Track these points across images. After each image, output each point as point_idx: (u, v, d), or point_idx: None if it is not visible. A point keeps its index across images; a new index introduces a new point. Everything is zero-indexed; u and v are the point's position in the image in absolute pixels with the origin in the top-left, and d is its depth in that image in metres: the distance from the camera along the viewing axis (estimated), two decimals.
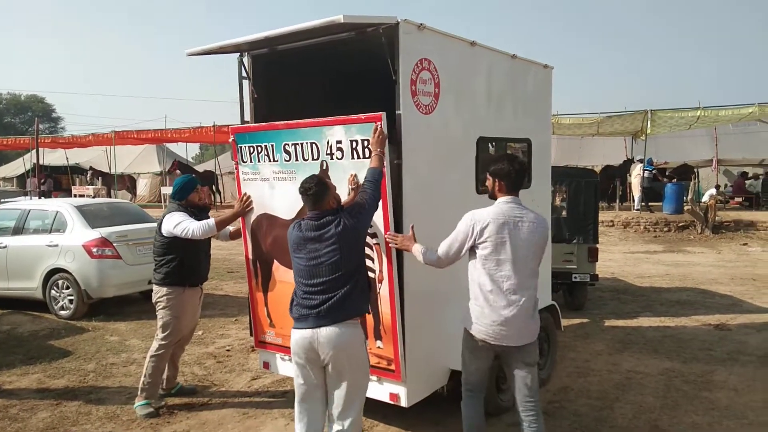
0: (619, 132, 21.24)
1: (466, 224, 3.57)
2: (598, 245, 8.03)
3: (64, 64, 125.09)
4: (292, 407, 4.95)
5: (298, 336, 3.51)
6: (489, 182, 3.77)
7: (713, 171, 22.48)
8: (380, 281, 4.09)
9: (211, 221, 4.83)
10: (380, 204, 3.86)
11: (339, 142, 4.11)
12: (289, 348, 4.67)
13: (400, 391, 4.19)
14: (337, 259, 3.47)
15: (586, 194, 7.91)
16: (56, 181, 27.50)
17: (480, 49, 4.77)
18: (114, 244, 8.03)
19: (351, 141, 4.04)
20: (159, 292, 5.00)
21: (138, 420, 4.79)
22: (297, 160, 4.37)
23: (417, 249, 3.81)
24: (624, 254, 14.01)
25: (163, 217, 4.97)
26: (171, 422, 4.75)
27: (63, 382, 5.67)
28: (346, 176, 4.07)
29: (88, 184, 25.67)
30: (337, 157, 4.15)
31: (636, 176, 18.63)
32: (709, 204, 16.79)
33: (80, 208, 8.43)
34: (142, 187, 27.82)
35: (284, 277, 4.65)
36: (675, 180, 19.38)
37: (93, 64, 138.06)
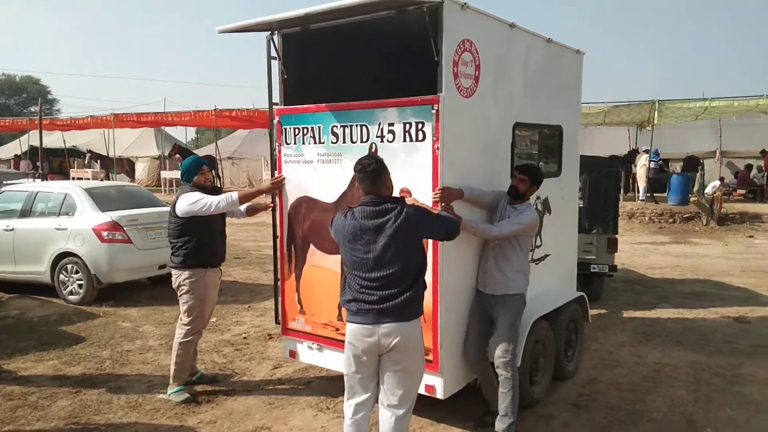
0: (626, 122, 21.12)
1: (530, 224, 4.18)
2: (617, 236, 7.93)
3: (59, 46, 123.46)
4: (318, 396, 4.93)
5: (358, 329, 3.28)
6: (526, 185, 4.25)
7: (716, 163, 22.41)
8: None
9: (234, 194, 4.72)
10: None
11: (391, 124, 4.04)
12: (318, 336, 4.66)
13: (437, 382, 4.09)
14: (395, 254, 3.20)
15: (607, 184, 7.78)
16: (51, 163, 27.16)
17: (518, 31, 4.62)
18: (124, 228, 7.87)
19: (404, 124, 3.97)
20: (180, 276, 4.86)
21: (162, 409, 4.66)
22: (345, 142, 4.29)
23: (468, 225, 4.00)
24: (631, 245, 13.92)
25: (177, 198, 4.82)
26: (196, 412, 4.63)
27: (80, 370, 5.53)
28: (395, 161, 3.92)
29: (86, 167, 25.37)
30: (387, 140, 4.07)
31: (642, 167, 18.53)
32: (715, 196, 16.72)
33: (89, 191, 8.25)
34: (141, 170, 27.53)
35: (319, 262, 4.55)
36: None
37: (88, 45, 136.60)
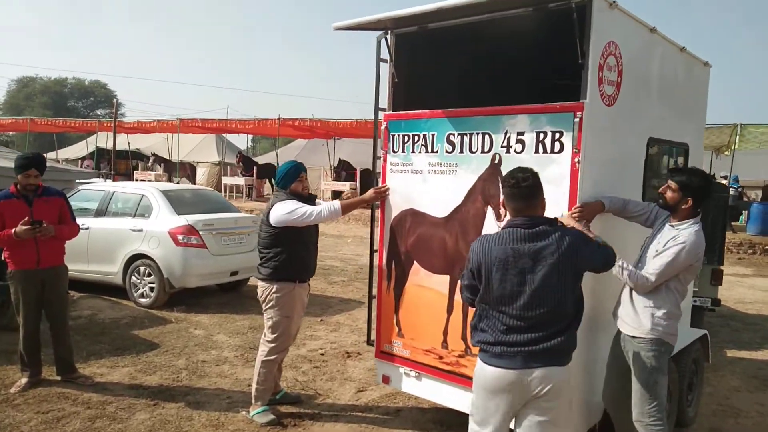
0: (704, 145, 20.06)
1: (689, 255, 3.36)
2: (722, 267, 7.27)
3: (121, 50, 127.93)
4: (411, 429, 4.51)
5: (502, 375, 2.80)
6: (675, 195, 3.44)
7: None
8: None
9: (337, 203, 4.36)
10: None
11: (521, 133, 3.59)
12: (418, 363, 4.23)
13: None
14: (556, 285, 2.75)
15: (715, 210, 7.15)
16: (117, 165, 27.73)
17: (657, 37, 4.15)
18: (200, 233, 7.68)
19: (537, 133, 3.52)
20: (268, 289, 4.51)
21: (246, 431, 4.33)
22: (462, 152, 3.88)
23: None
24: None
25: (272, 206, 4.47)
26: None
27: (156, 379, 5.27)
28: None
29: (150, 170, 25.82)
30: (515, 151, 3.63)
31: None
32: None
33: (166, 193, 8.12)
34: (201, 175, 27.89)
35: (424, 281, 4.15)
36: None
37: (151, 49, 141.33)
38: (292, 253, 4.47)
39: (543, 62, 4.15)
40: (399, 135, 4.25)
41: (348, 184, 22.80)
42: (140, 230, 7.80)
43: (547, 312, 2.76)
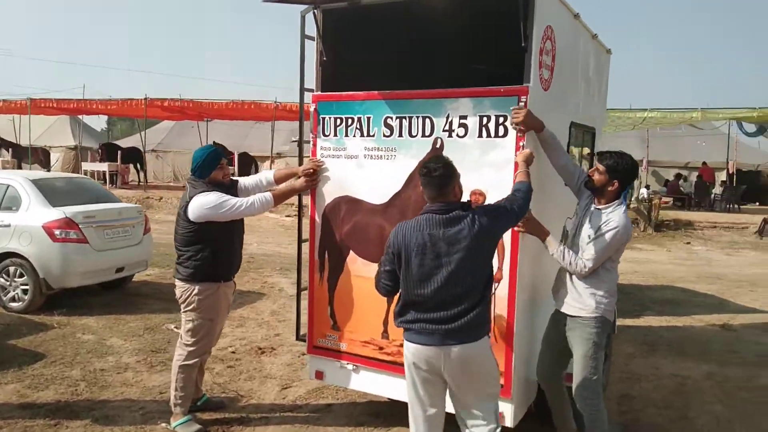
0: None
1: (623, 238, 3.49)
2: None
3: None
4: (346, 425, 4.36)
5: (423, 351, 2.95)
6: (602, 177, 3.53)
7: (643, 171, 23.40)
8: (498, 280, 3.52)
9: (269, 195, 4.05)
10: None
11: (464, 117, 3.52)
12: (356, 355, 4.10)
13: (506, 408, 3.64)
14: (470, 267, 2.89)
15: None
16: None
17: (578, 24, 4.28)
18: (80, 226, 6.90)
19: (481, 117, 3.47)
20: (188, 291, 4.08)
21: None
22: (401, 136, 3.74)
23: (554, 244, 3.51)
24: None
25: (189, 198, 4.01)
26: None
27: (51, 395, 4.66)
28: (466, 158, 3.47)
29: None
30: (457, 135, 3.57)
31: None
32: (653, 203, 17.35)
33: (36, 183, 7.20)
34: (55, 161, 25.38)
35: (362, 271, 4.00)
36: None
37: None
38: (215, 250, 4.06)
39: (480, 46, 4.11)
40: (330, 118, 4.03)
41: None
42: (8, 225, 6.87)
43: (460, 290, 2.89)
